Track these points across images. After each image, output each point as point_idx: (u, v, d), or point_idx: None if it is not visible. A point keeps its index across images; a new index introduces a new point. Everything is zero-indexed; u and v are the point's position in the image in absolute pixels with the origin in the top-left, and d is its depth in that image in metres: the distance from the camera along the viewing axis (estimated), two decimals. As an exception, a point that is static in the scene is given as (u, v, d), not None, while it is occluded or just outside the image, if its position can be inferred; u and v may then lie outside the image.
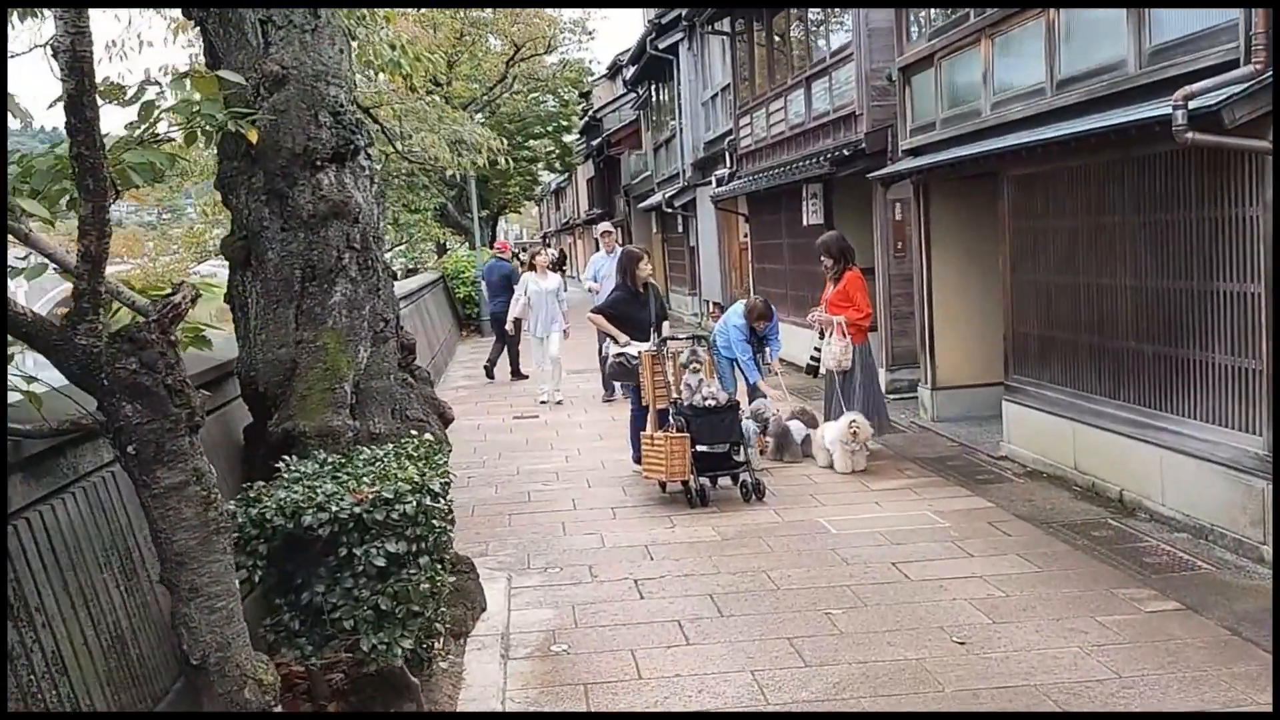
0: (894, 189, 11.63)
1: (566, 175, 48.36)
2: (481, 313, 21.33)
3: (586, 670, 4.64)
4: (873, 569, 5.77)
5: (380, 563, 3.62)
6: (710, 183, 19.01)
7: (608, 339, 8.52)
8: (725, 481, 7.62)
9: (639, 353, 7.87)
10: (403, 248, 24.25)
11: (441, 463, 4.27)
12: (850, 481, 7.85)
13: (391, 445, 4.50)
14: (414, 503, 3.71)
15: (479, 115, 23.82)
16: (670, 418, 7.61)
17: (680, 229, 23.68)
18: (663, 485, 7.59)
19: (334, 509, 3.58)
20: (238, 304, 4.89)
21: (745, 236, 18.46)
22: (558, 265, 17.81)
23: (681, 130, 22.28)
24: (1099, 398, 7.10)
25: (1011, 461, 8.17)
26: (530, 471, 8.72)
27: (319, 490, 3.69)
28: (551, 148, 32.50)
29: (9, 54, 4.04)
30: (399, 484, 3.75)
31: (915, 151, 9.85)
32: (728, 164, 18.22)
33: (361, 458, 4.30)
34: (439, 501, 3.90)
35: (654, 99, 26.18)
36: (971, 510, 6.87)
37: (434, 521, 3.83)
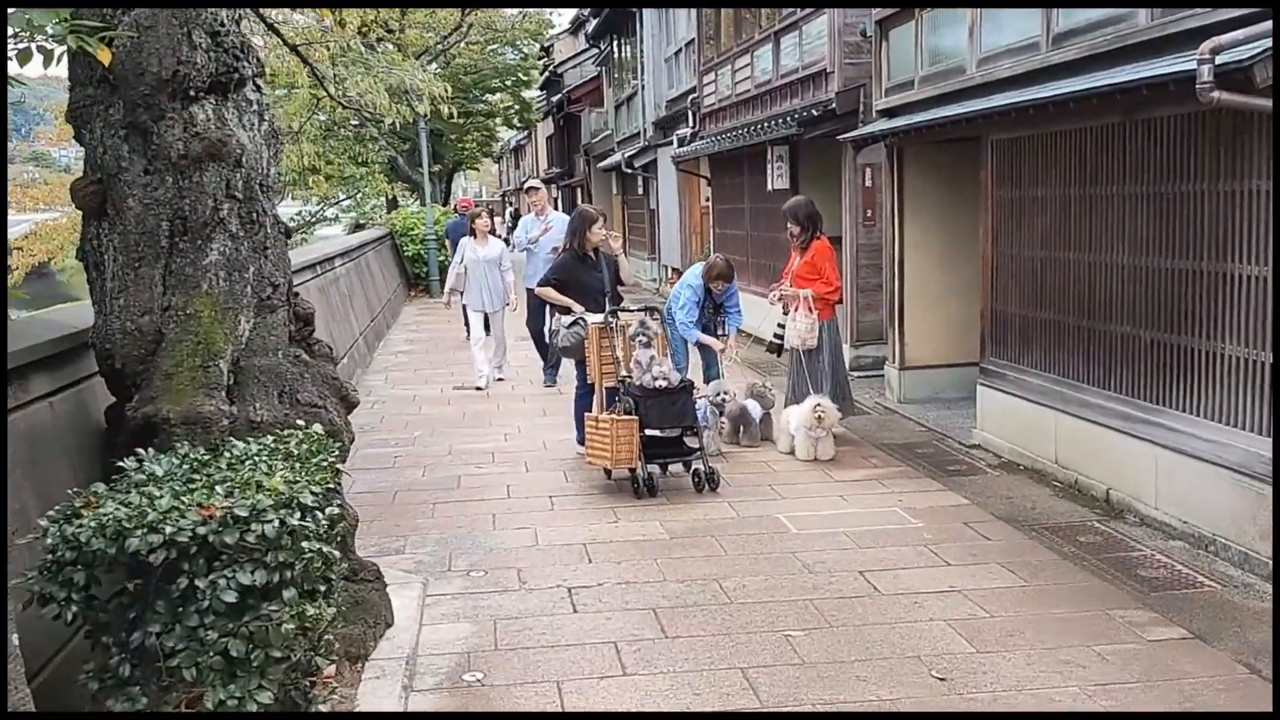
0: (865, 153, 10.91)
1: (526, 132, 47.17)
2: (430, 272, 20.44)
3: (502, 705, 3.93)
4: (838, 579, 5.11)
5: (230, 597, 2.87)
6: (672, 143, 18.19)
7: (555, 314, 7.71)
8: (677, 468, 6.94)
9: (590, 323, 7.12)
10: (348, 203, 23.18)
11: (326, 464, 3.51)
12: (812, 471, 7.19)
13: (272, 439, 3.73)
14: (275, 521, 2.95)
15: (433, 65, 22.72)
16: (618, 398, 6.88)
17: (640, 191, 22.85)
18: (608, 472, 6.88)
19: (169, 530, 2.82)
20: (92, 261, 4.08)
21: (707, 200, 17.70)
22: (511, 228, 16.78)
23: (643, 88, 21.38)
24: (1087, 386, 6.47)
25: (985, 451, 7.56)
26: (464, 452, 7.96)
27: (155, 504, 2.91)
28: (510, 103, 31.39)
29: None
30: (257, 497, 2.98)
31: (890, 112, 9.13)
32: (690, 123, 17.41)
33: (232, 453, 3.53)
34: (311, 519, 3.14)
35: (616, 54, 25.21)
36: (945, 508, 6.24)
37: (304, 544, 3.07)
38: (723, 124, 15.41)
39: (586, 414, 6.95)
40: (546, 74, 36.43)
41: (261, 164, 4.24)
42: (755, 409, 7.84)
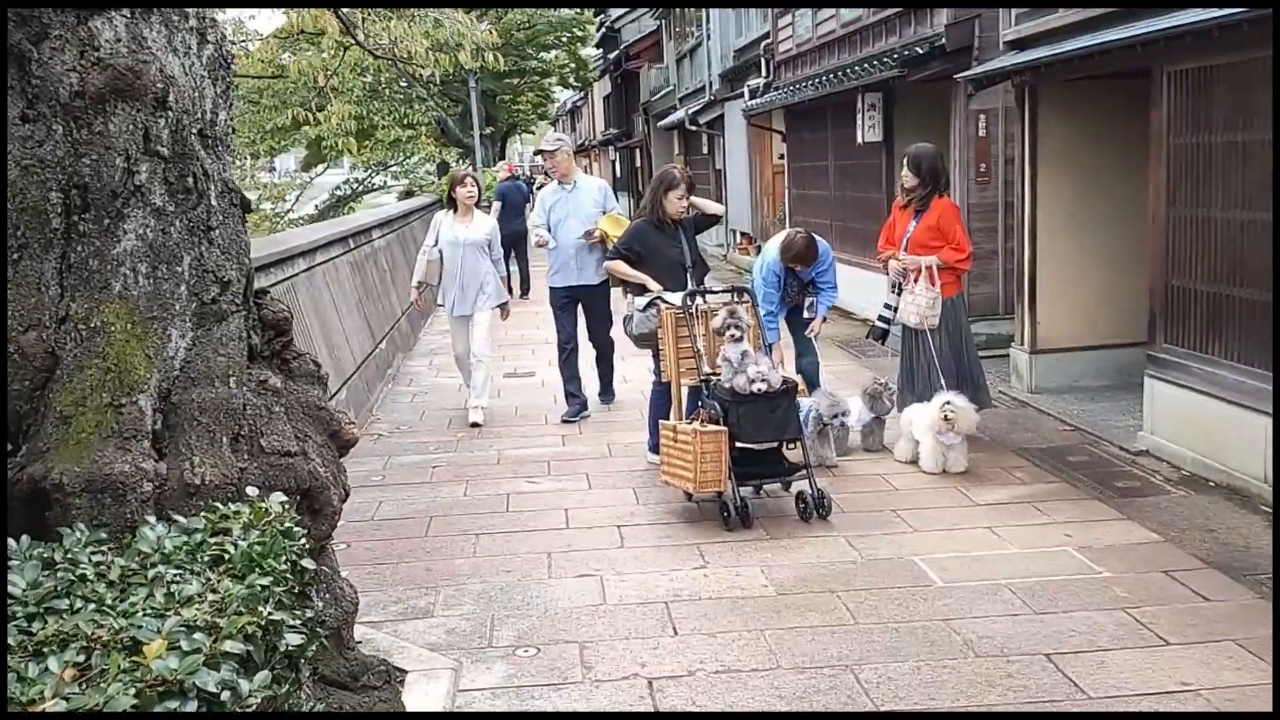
0: (980, 98, 9.35)
1: (583, 93, 45.67)
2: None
3: None
4: (1018, 666, 3.73)
5: None
6: (741, 95, 16.64)
7: (627, 295, 6.33)
8: (773, 485, 5.59)
9: (662, 308, 5.77)
10: (396, 168, 22.00)
11: (301, 571, 2.22)
12: (944, 488, 5.78)
13: (204, 524, 2.46)
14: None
15: (483, 21, 21.37)
16: (701, 403, 5.53)
17: (705, 150, 21.32)
18: (688, 493, 5.54)
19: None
20: (-46, 251, 2.81)
21: (780, 158, 16.16)
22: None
23: (708, 37, 19.80)
24: (1314, 386, 4.97)
25: (1157, 460, 6.07)
26: (514, 459, 6.68)
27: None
28: (565, 61, 29.91)
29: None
30: (109, 690, 1.68)
31: (1021, 44, 7.57)
32: (763, 73, 15.85)
33: (134, 560, 2.27)
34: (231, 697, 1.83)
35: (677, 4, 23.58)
36: (1131, 547, 4.81)
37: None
38: (802, 71, 13.85)
39: (662, 421, 5.61)
40: (603, 30, 34.85)
41: (201, 105, 2.93)
42: (859, 412, 6.42)
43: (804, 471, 5.36)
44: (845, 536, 5.08)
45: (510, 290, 8.80)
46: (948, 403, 5.90)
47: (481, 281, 7.57)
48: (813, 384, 6.71)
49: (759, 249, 18.23)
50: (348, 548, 5.19)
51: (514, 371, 9.58)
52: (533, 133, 52.73)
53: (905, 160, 6.43)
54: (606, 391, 8.10)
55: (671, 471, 5.44)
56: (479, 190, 7.64)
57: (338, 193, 23.25)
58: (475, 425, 7.48)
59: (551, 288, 7.64)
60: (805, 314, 6.88)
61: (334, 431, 3.21)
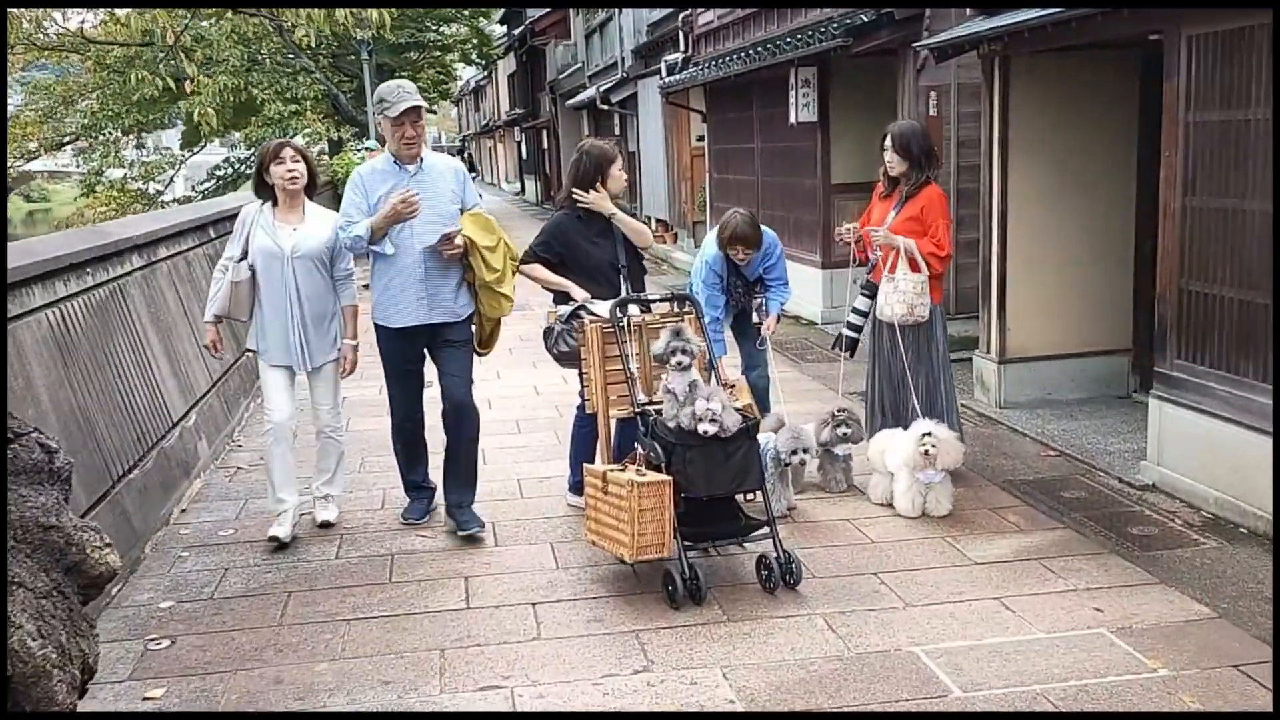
0: (929, 73, 8.41)
1: (486, 72, 44.01)
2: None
3: None
4: (1095, 840, 2.69)
5: None
6: (658, 71, 15.51)
7: (556, 306, 5.03)
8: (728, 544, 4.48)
9: (586, 320, 4.59)
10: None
11: None
12: (930, 540, 4.75)
13: None
14: None
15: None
16: (638, 442, 4.39)
17: (618, 130, 20.13)
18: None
19: None
20: None
21: (700, 140, 15.08)
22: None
23: (620, 11, 18.59)
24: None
25: (1169, 498, 5.15)
26: (403, 501, 5.43)
27: None
28: (467, 36, 28.31)
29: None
30: None
31: (988, 5, 6.59)
32: (681, 47, 14.73)
33: None
34: None
35: (586, -24, 22.32)
36: (1179, 627, 3.83)
37: None
38: (724, 45, 12.78)
39: (588, 467, 4.43)
40: (506, 6, 33.31)
41: None
42: (840, 446, 5.35)
43: (766, 529, 4.26)
44: (822, 615, 4.00)
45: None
46: (928, 434, 4.86)
47: (322, 315, 4.86)
48: (763, 405, 5.63)
49: (675, 236, 17.18)
50: (171, 644, 3.93)
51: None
52: (434, 112, 50.78)
53: (889, 140, 5.36)
54: (464, 507, 4.96)
55: (601, 531, 4.28)
56: (310, 170, 4.85)
57: (218, 173, 21.37)
58: (325, 525, 5.06)
59: (380, 328, 4.83)
60: (754, 318, 5.79)
61: (74, 564, 1.96)
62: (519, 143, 39.35)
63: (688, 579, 4.09)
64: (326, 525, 5.09)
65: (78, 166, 18.11)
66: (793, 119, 10.18)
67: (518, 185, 42.27)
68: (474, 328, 4.97)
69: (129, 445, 5.06)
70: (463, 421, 4.96)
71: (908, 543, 4.73)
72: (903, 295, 5.27)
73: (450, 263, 4.73)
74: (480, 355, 5.07)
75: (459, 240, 4.67)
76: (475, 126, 57.70)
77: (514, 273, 4.93)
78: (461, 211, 4.81)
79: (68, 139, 18.10)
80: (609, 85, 19.15)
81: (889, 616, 3.98)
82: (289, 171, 4.79)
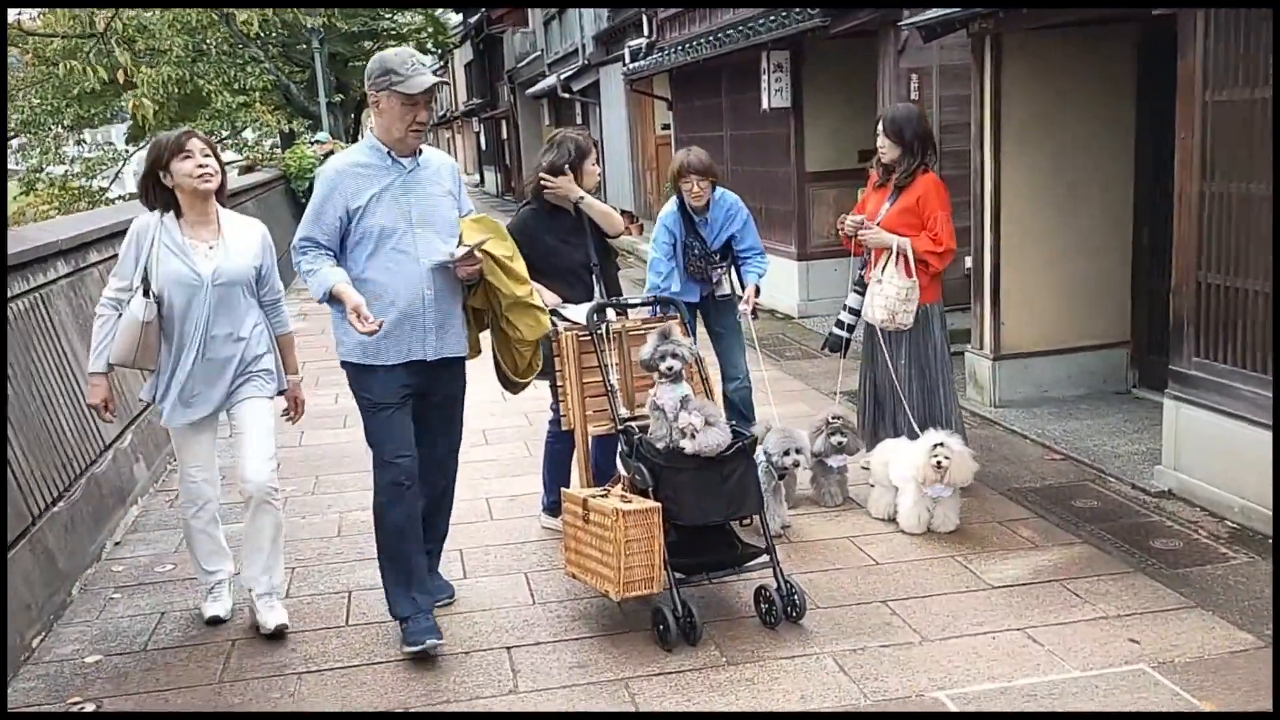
0: (910, 55, 8.03)
1: (443, 61, 43.20)
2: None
3: None
4: None
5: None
6: (621, 58, 15.04)
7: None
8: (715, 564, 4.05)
9: (560, 329, 4.14)
10: (230, 140, 19.48)
11: None
12: (939, 560, 4.36)
13: None
14: None
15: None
16: (620, 462, 3.96)
17: (580, 119, 19.63)
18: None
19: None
20: None
21: (666, 128, 14.64)
22: None
23: (579, -3, 18.09)
24: None
25: (1188, 504, 4.81)
26: (360, 525, 4.96)
27: None
28: (422, 25, 27.62)
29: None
30: None
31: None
32: (645, 32, 14.26)
33: None
34: None
35: (544, -39, 21.76)
36: (1225, 659, 3.47)
37: None
38: (690, 29, 12.35)
39: (565, 491, 3.99)
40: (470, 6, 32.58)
41: None
42: (834, 457, 4.94)
43: (766, 557, 3.85)
44: (831, 654, 3.60)
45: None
46: (940, 444, 4.47)
47: (253, 353, 3.81)
48: (747, 416, 5.22)
49: (641, 228, 16.75)
50: (96, 709, 3.44)
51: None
52: (390, 103, 49.93)
53: (881, 126, 4.95)
54: (423, 592, 3.80)
55: (583, 565, 3.85)
56: (222, 168, 3.75)
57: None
58: (279, 631, 3.85)
59: (360, 368, 3.68)
60: (715, 285, 5.27)
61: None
62: (477, 133, 38.69)
63: (681, 617, 3.67)
64: (281, 631, 3.84)
65: (16, 164, 17.30)
66: (765, 105, 9.76)
67: (477, 177, 41.58)
68: (504, 358, 3.94)
69: (52, 475, 4.54)
70: (442, 497, 4.02)
71: (916, 564, 4.34)
72: (886, 300, 4.89)
73: (457, 284, 3.72)
74: (516, 390, 4.12)
75: (472, 260, 3.63)
76: (432, 117, 56.84)
77: None
78: (460, 214, 3.82)
79: (10, 135, 17.34)
80: (570, 73, 18.65)
81: (905, 654, 3.59)
82: (199, 168, 3.61)
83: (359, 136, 29.80)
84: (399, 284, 3.60)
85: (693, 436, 3.65)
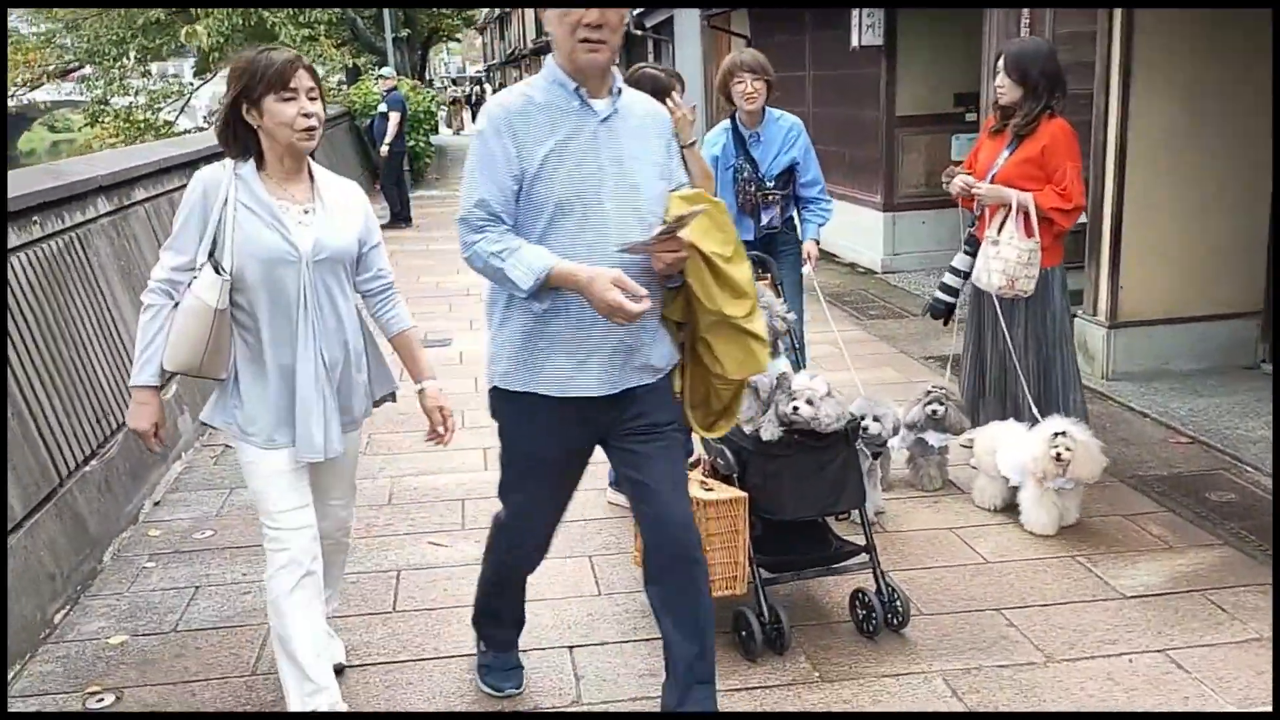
0: (1023, -14, 7.29)
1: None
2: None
3: None
4: None
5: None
6: (698, -7, 14.30)
7: None
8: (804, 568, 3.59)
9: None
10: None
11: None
12: (1059, 560, 3.84)
13: None
14: None
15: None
16: (701, 444, 3.49)
17: (652, 57, 18.94)
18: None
19: None
20: None
21: (743, 68, 13.90)
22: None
23: (656, -73, 17.29)
24: None
25: (1344, 503, 4.22)
26: (413, 495, 4.59)
27: None
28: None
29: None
30: None
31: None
32: (724, -35, 13.51)
33: None
34: None
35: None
36: None
37: None
38: (775, -39, 11.59)
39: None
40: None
41: None
42: (933, 435, 4.42)
43: (864, 555, 3.38)
44: (941, 674, 3.12)
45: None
46: (1061, 434, 3.92)
47: (359, 358, 2.86)
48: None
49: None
50: (117, 700, 3.10)
51: (423, 338, 7.42)
52: (458, 40, 49.32)
53: (1001, 63, 4.33)
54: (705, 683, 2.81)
55: (655, 556, 3.41)
56: (324, 109, 2.71)
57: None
58: (338, 670, 3.10)
59: (518, 397, 2.65)
60: (764, 218, 4.61)
61: None
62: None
63: (767, 623, 3.22)
64: (339, 670, 3.13)
65: (81, 95, 17.17)
66: (855, 43, 9.08)
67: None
68: (692, 393, 2.79)
69: (85, 430, 4.22)
70: (694, 571, 2.69)
71: (1031, 564, 3.83)
72: (1004, 264, 4.29)
73: (653, 280, 2.56)
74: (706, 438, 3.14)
75: (685, 234, 2.47)
76: (500, 56, 56.16)
77: None
78: (674, 189, 2.69)
79: (73, 65, 17.21)
80: (644, 10, 17.93)
81: (1028, 677, 3.10)
82: (304, 118, 2.60)
83: (423, 75, 29.47)
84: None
85: (810, 403, 3.16)
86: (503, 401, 2.68)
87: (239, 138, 2.65)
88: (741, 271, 2.60)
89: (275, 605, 2.71)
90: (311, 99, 2.63)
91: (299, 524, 2.73)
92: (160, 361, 2.66)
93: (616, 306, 2.35)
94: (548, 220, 2.49)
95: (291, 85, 2.59)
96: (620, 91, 2.57)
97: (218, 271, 2.59)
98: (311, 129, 2.63)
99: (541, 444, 2.68)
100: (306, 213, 2.70)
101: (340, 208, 2.77)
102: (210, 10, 13.22)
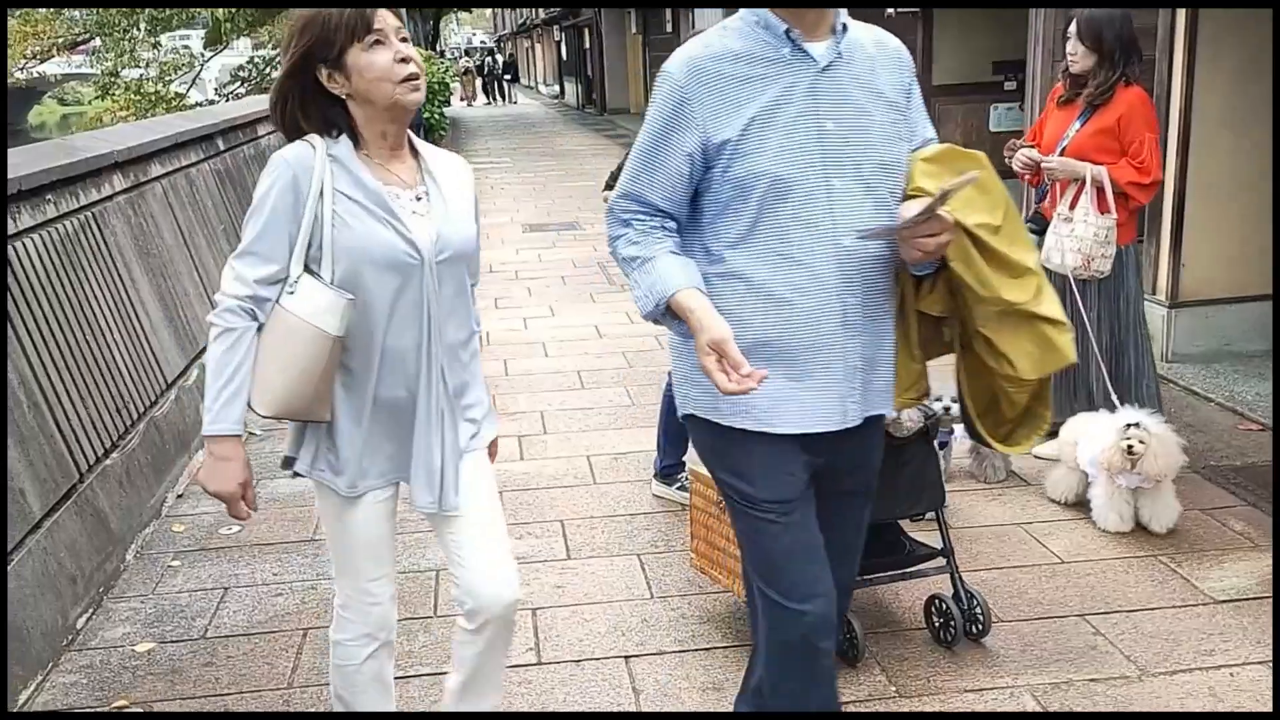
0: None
1: (523, -33, 41.96)
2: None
3: None
4: None
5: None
6: (720, -41, 13.94)
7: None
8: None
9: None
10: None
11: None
12: (1138, 557, 3.61)
13: None
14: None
15: None
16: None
17: (670, 28, 18.56)
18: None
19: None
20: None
21: (767, 36, 13.56)
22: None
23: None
24: None
25: None
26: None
27: None
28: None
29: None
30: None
31: None
32: (748, -70, 13.13)
33: None
34: None
35: None
36: None
37: None
38: (802, -75, 11.21)
39: (695, 471, 3.32)
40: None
41: None
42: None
43: (942, 560, 3.15)
44: (1029, 689, 2.90)
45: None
46: (1133, 425, 3.67)
47: (472, 377, 2.33)
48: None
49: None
50: (145, 711, 2.90)
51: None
52: (469, 11, 48.78)
53: (1074, 28, 4.05)
54: None
55: (714, 559, 3.20)
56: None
57: (240, 74, 20.10)
58: None
59: (722, 431, 2.11)
60: None
61: None
62: (558, 43, 37.59)
63: (840, 634, 3.00)
64: None
65: (91, 67, 16.92)
66: (890, 10, 8.76)
67: (556, 88, 40.56)
68: (973, 399, 2.27)
69: (105, 422, 4.01)
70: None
71: (1111, 564, 3.60)
72: (1080, 243, 4.03)
73: (892, 279, 2.10)
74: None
75: (944, 213, 1.93)
76: (511, 26, 55.58)
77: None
78: (916, 148, 2.14)
79: (82, 37, 16.96)
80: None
81: (1123, 693, 2.88)
82: (402, 64, 2.03)
83: (436, 45, 29.06)
84: (799, 285, 1.98)
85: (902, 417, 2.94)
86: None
87: (314, 115, 2.06)
88: (1018, 242, 2.07)
89: (344, 674, 2.31)
90: (404, 40, 2.07)
91: (387, 596, 2.28)
92: (245, 402, 2.05)
93: (711, 372, 1.87)
94: (757, 206, 1.94)
95: (376, 26, 2.01)
96: (845, 28, 2.00)
97: (327, 286, 2.02)
98: (415, 76, 2.04)
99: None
100: (419, 199, 2.12)
101: (454, 189, 2.19)
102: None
